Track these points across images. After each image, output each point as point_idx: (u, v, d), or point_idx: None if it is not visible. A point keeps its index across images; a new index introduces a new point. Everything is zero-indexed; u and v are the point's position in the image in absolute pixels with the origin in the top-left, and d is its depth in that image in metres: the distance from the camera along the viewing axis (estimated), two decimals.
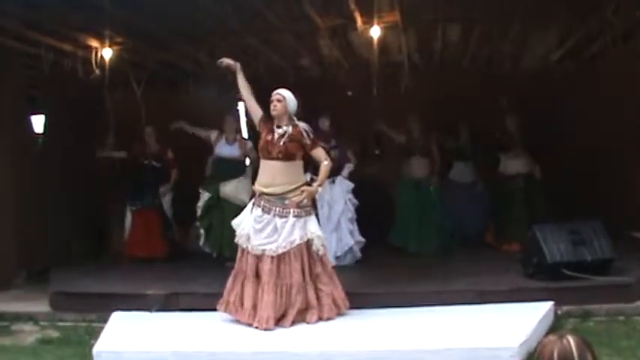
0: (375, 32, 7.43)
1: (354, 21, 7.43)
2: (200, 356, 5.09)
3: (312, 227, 5.83)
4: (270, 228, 5.73)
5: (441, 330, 5.32)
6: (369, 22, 7.36)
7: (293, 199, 5.75)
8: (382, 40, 7.73)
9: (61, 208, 8.94)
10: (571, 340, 2.24)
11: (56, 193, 8.81)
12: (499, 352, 4.75)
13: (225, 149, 8.39)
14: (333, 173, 7.97)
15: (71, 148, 9.10)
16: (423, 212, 8.80)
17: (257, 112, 6.00)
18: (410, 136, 8.95)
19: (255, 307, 5.66)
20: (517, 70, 9.98)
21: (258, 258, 5.73)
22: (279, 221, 5.72)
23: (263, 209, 5.77)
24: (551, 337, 2.28)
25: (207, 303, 6.20)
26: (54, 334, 6.11)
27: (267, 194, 5.79)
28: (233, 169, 8.36)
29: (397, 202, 9.12)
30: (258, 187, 5.90)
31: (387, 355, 4.92)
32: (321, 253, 5.87)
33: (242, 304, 5.74)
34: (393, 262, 8.11)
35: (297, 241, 5.71)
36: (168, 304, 6.35)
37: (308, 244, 5.78)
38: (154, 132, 9.05)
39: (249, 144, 8.35)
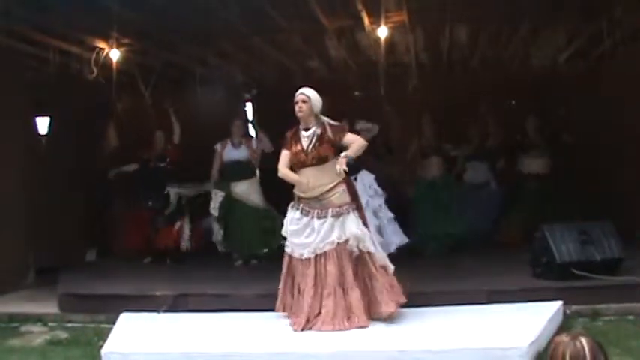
0: (383, 32, 7.43)
1: (362, 21, 7.43)
2: (209, 357, 5.07)
3: (351, 226, 5.60)
4: (308, 230, 5.64)
5: (451, 330, 5.31)
6: (376, 23, 7.36)
7: (331, 199, 5.64)
8: (389, 40, 7.73)
9: (69, 209, 8.96)
10: (584, 341, 2.19)
11: (64, 194, 8.83)
12: (508, 352, 4.73)
13: (232, 153, 8.42)
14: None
15: (80, 150, 9.12)
16: (437, 212, 8.74)
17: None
18: (423, 137, 8.89)
19: (294, 308, 5.66)
20: (525, 71, 9.96)
21: (298, 260, 5.68)
22: (317, 222, 5.61)
23: (302, 212, 5.69)
24: (564, 338, 2.22)
25: (216, 303, 6.21)
26: (62, 335, 6.11)
27: (304, 198, 5.70)
28: (242, 171, 8.37)
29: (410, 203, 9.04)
30: (295, 191, 5.79)
31: (396, 355, 4.90)
32: (355, 253, 5.62)
33: (291, 307, 5.73)
34: (403, 263, 8.07)
35: (336, 241, 5.56)
36: (176, 304, 6.34)
37: (347, 244, 5.60)
38: (163, 136, 9.04)
39: (255, 142, 8.39)
